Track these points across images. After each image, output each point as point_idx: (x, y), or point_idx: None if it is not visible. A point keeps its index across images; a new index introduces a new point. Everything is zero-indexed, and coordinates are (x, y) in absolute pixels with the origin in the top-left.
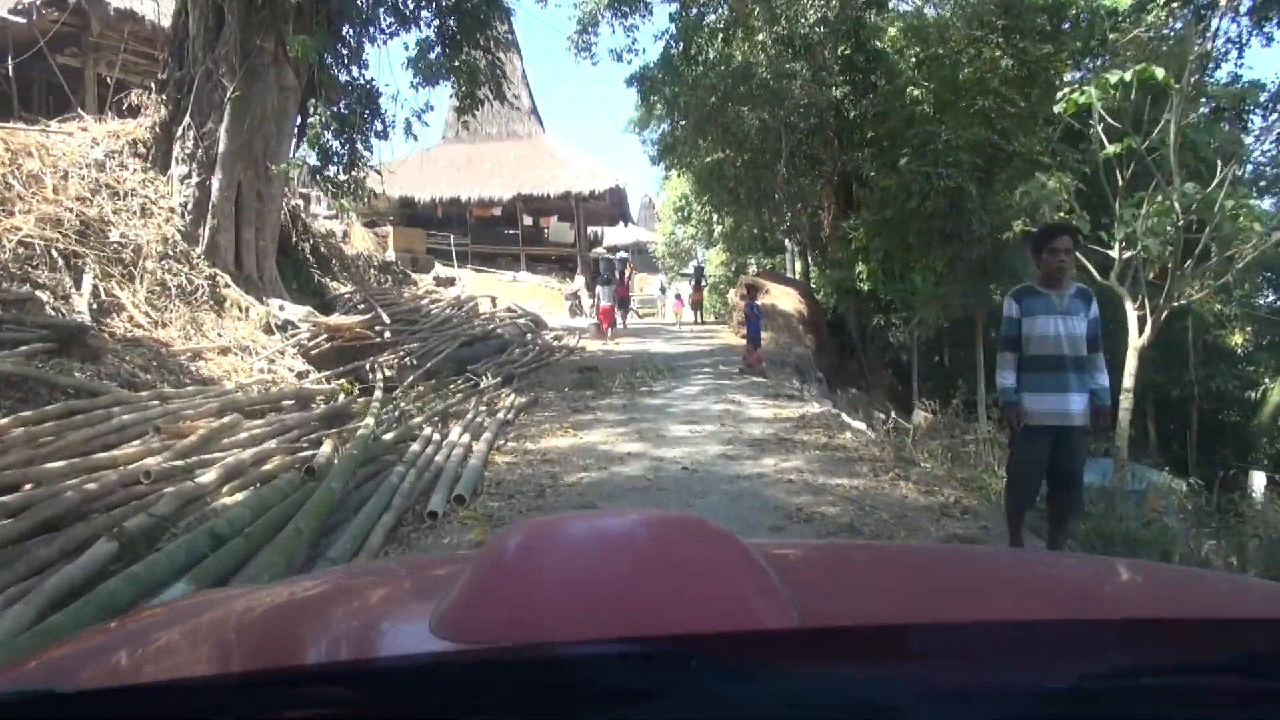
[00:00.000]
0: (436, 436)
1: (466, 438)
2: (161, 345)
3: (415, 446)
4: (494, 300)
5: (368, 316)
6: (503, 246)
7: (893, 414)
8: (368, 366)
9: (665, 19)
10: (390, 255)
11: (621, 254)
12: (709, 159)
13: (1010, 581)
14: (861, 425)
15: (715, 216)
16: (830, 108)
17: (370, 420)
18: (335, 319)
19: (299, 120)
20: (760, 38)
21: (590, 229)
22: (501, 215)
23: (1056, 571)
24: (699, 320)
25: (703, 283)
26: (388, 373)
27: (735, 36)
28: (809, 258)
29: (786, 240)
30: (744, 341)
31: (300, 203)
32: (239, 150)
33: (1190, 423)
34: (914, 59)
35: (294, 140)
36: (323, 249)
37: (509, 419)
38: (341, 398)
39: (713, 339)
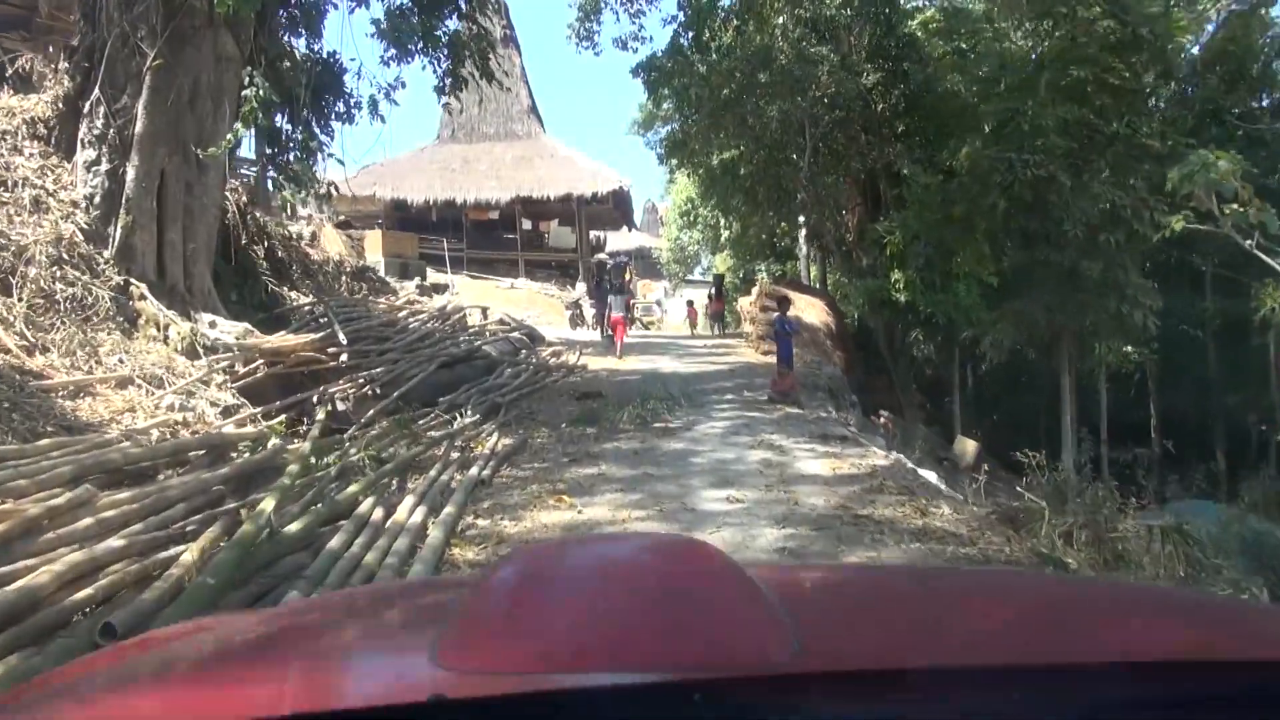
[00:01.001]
0: (379, 514)
1: (420, 515)
2: (32, 377)
3: (335, 541)
4: (484, 311)
5: (319, 336)
6: (500, 252)
7: (981, 472)
8: (315, 399)
9: (674, 3)
10: (378, 260)
11: (622, 258)
12: (723, 155)
13: (1015, 610)
14: (932, 477)
15: (723, 220)
16: (859, 97)
17: (268, 503)
18: (277, 339)
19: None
20: (781, 20)
21: (592, 233)
22: (499, 219)
23: (1063, 598)
24: (721, 332)
25: (723, 292)
26: (340, 407)
27: (748, 26)
28: (827, 264)
29: (801, 245)
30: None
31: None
32: (161, 132)
33: (1270, 453)
34: (945, 50)
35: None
36: (280, 253)
37: (485, 475)
38: (272, 444)
39: (729, 355)
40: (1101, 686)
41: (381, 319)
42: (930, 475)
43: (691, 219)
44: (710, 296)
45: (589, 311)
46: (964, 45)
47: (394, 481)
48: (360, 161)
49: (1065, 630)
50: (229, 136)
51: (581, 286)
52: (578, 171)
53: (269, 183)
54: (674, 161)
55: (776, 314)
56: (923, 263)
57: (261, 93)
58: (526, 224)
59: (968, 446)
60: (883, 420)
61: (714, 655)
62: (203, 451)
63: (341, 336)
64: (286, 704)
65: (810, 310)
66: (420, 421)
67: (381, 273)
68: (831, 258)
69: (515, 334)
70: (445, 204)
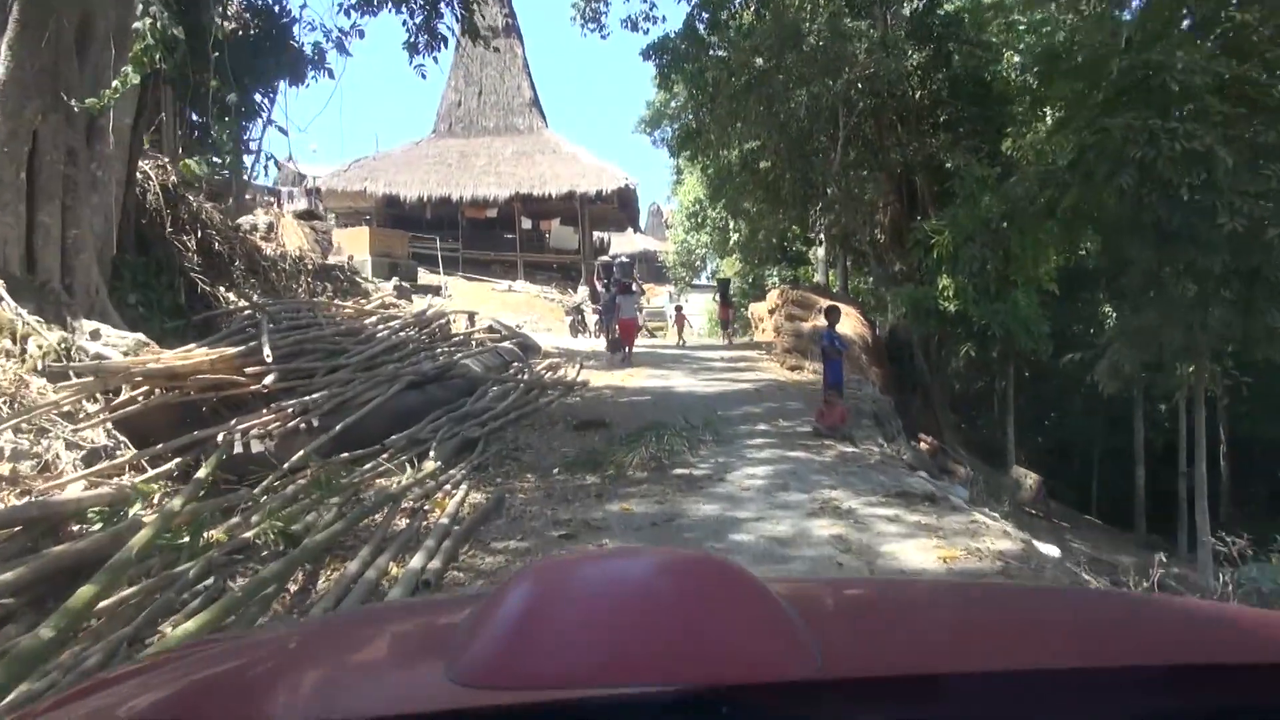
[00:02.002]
0: None
1: None
2: None
3: None
4: (471, 317)
5: (237, 350)
6: (498, 252)
7: (1045, 509)
8: (219, 439)
9: None
10: (364, 259)
11: (623, 258)
12: (744, 146)
13: (1047, 623)
14: (1054, 551)
15: (732, 223)
16: (899, 80)
17: None
18: (174, 356)
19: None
20: None
21: (595, 235)
22: (497, 217)
23: (1096, 612)
24: (729, 341)
25: (730, 297)
26: (259, 448)
27: (768, 8)
28: (849, 269)
29: (818, 248)
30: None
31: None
32: (33, 81)
33: None
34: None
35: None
36: (218, 246)
37: (433, 571)
38: (134, 511)
39: (751, 371)
40: (1136, 694)
41: (342, 327)
42: (1051, 551)
43: (700, 220)
44: (716, 301)
45: (591, 318)
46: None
47: (295, 582)
48: (304, 128)
49: (1099, 638)
50: (115, 84)
51: (584, 290)
52: (581, 168)
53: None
54: (685, 154)
55: (823, 328)
56: (978, 267)
57: (159, 25)
58: (526, 223)
59: (1026, 479)
60: (925, 445)
61: (735, 668)
62: (19, 528)
63: (267, 350)
64: (301, 717)
65: (844, 321)
66: (368, 465)
67: (369, 273)
68: (863, 261)
69: (506, 344)
70: (440, 201)
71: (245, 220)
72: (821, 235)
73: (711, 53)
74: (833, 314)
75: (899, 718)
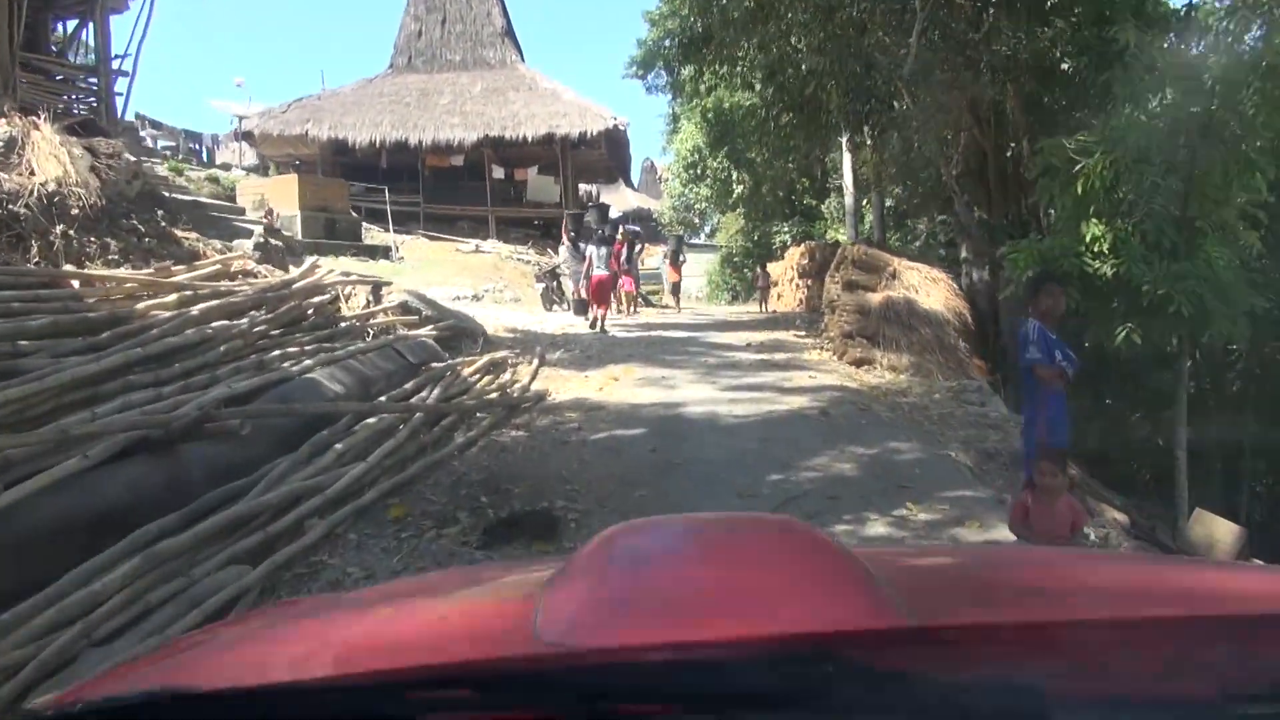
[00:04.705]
0: None
1: None
2: None
3: None
4: (376, 290)
5: None
6: (465, 206)
7: None
8: None
9: None
10: (293, 214)
11: (605, 204)
12: (771, 50)
13: (1151, 585)
14: None
15: (735, 174)
16: None
17: None
18: None
19: None
20: None
21: (581, 188)
22: (464, 165)
23: (1203, 577)
24: (679, 307)
25: (681, 258)
26: None
27: None
28: (885, 218)
29: (846, 193)
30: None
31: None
32: None
33: None
34: None
35: None
36: None
37: None
38: None
39: (797, 366)
40: (1231, 650)
41: (46, 321)
42: None
43: (699, 171)
44: (669, 262)
45: (569, 284)
46: None
47: None
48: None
49: (1220, 599)
50: None
51: (564, 250)
52: (562, 106)
53: None
54: (688, 71)
55: (1031, 320)
56: (1160, 205)
57: None
58: (498, 172)
59: (1217, 530)
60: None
61: (820, 618)
62: None
63: None
64: (403, 659)
65: (930, 290)
66: None
67: (298, 231)
68: (928, 206)
69: (425, 331)
70: (397, 146)
71: None
72: (850, 182)
73: None
74: (1046, 288)
75: (985, 672)
